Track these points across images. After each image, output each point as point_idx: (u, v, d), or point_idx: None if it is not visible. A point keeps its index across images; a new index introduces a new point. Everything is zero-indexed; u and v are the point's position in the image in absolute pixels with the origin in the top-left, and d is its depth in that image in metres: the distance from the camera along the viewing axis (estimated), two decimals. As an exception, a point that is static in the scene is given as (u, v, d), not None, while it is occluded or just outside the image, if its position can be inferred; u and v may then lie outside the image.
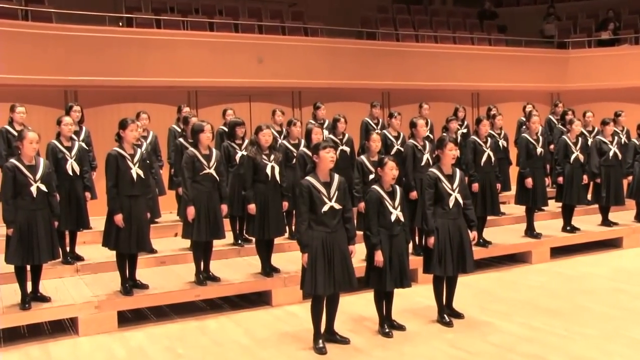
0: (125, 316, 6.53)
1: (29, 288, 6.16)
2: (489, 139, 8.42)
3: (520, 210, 9.47)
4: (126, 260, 6.52)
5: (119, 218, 6.22)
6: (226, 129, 8.67)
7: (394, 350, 5.48)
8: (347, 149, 8.58)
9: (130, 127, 6.39)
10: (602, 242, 9.47)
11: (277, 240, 7.35)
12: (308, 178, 5.36)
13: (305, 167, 7.32)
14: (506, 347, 5.49)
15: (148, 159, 6.90)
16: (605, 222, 9.73)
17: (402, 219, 5.69)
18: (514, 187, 9.27)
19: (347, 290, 5.52)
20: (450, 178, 6.00)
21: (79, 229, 7.49)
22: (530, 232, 8.98)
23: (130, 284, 6.51)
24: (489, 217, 8.65)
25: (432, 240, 5.91)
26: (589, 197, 9.95)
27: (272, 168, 6.90)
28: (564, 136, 9.33)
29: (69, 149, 7.27)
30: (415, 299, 6.84)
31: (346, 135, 8.69)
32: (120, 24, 12.03)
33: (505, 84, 14.34)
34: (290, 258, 7.48)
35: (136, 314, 6.66)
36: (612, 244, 9.53)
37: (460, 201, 5.98)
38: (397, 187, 5.79)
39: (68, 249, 7.45)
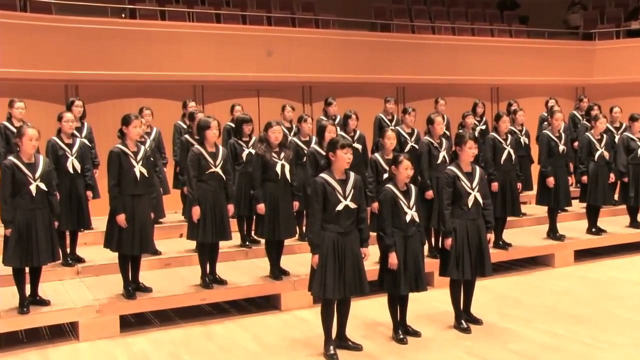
0: (128, 321, 6.55)
1: (28, 291, 6.18)
2: (509, 135, 8.39)
3: (542, 210, 9.43)
4: (129, 262, 6.54)
5: (121, 218, 6.24)
6: (233, 126, 8.69)
7: (408, 358, 5.46)
8: (359, 147, 8.57)
9: (133, 124, 6.40)
10: (630, 244, 9.38)
11: (286, 242, 7.35)
12: (322, 175, 5.35)
13: (317, 165, 7.31)
14: (527, 355, 5.45)
15: (152, 156, 6.93)
16: (634, 223, 9.65)
17: (417, 219, 5.68)
18: (535, 186, 9.22)
19: (357, 295, 5.51)
20: (470, 176, 5.97)
21: (79, 229, 7.53)
22: (552, 233, 8.93)
23: (133, 287, 6.53)
24: (509, 218, 8.62)
25: (449, 241, 5.89)
26: (616, 197, 9.87)
27: (282, 166, 6.91)
28: (587, 133, 9.27)
29: (70, 146, 7.30)
30: (431, 304, 6.82)
31: (358, 132, 8.69)
32: (123, 15, 12.08)
33: (527, 78, 14.27)
34: (300, 260, 7.47)
35: (139, 319, 6.68)
36: (641, 246, 9.47)
37: (480, 201, 5.95)
38: (412, 187, 5.78)
39: (68, 250, 7.49)
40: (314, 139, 8.07)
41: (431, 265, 7.04)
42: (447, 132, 9.57)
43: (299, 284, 6.91)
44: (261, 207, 6.85)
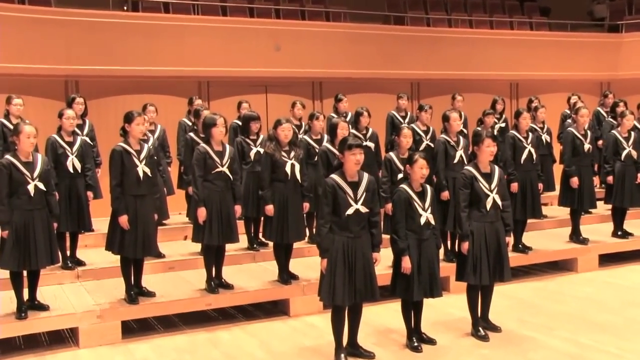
0: (130, 326, 6.58)
1: (26, 295, 6.21)
2: (530, 133, 8.36)
3: (565, 212, 9.37)
4: (131, 265, 6.56)
5: (123, 219, 6.26)
6: (240, 123, 8.70)
7: (423, 367, 5.47)
8: (372, 145, 8.57)
9: (136, 121, 6.42)
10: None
11: (296, 245, 7.36)
12: (333, 176, 5.34)
13: (328, 164, 7.32)
14: (549, 364, 5.44)
15: (156, 155, 6.94)
16: (662, 226, 9.60)
17: (432, 222, 5.66)
18: (557, 187, 9.18)
19: (368, 301, 5.49)
20: (488, 177, 5.95)
21: (80, 231, 7.57)
22: (575, 237, 8.89)
23: (135, 292, 6.55)
24: (529, 220, 8.59)
25: (466, 245, 5.87)
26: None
27: (292, 166, 6.91)
28: (613, 131, 9.21)
29: (71, 144, 7.34)
30: (446, 310, 6.81)
31: (370, 130, 8.68)
32: (125, 8, 12.13)
33: (549, 73, 14.22)
34: (309, 264, 7.48)
35: (142, 324, 6.70)
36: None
37: (499, 203, 5.94)
38: (428, 187, 5.76)
39: (68, 252, 7.51)
40: (326, 137, 8.07)
41: (447, 269, 7.03)
42: (465, 131, 9.55)
43: (309, 289, 6.91)
44: (270, 209, 6.85)
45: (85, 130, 8.43)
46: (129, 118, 6.44)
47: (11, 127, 7.85)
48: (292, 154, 6.96)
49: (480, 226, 5.89)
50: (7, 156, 6.03)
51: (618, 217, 9.26)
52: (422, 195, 5.67)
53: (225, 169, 6.64)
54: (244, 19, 12.43)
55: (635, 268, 8.78)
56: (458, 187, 6.10)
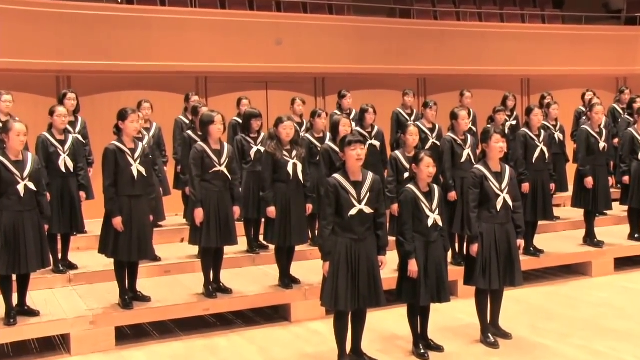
0: (124, 333, 6.58)
1: (15, 300, 6.20)
2: (542, 131, 8.35)
3: (579, 214, 9.37)
4: (126, 269, 6.57)
5: (117, 221, 6.26)
6: (240, 121, 8.71)
7: (431, 375, 5.47)
8: (377, 143, 8.58)
9: (130, 118, 6.43)
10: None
11: (297, 247, 7.35)
12: (336, 176, 5.35)
13: (331, 163, 7.32)
14: (562, 372, 5.45)
15: (151, 154, 6.95)
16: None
17: (440, 223, 5.66)
18: (571, 187, 9.17)
19: (372, 307, 5.49)
20: (499, 176, 5.95)
21: (72, 232, 7.58)
22: (590, 239, 8.88)
23: (130, 296, 6.55)
24: (540, 222, 8.59)
25: (475, 247, 5.87)
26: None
27: (294, 166, 6.91)
28: (630, 128, 9.19)
29: (62, 142, 7.35)
30: (455, 316, 6.81)
31: (375, 128, 8.68)
32: (120, 0, 12.15)
33: (562, 68, 14.20)
34: (312, 267, 7.47)
35: (136, 331, 6.71)
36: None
37: (510, 203, 5.93)
38: (436, 188, 5.76)
39: (60, 255, 7.52)
40: (328, 135, 8.07)
41: (455, 273, 7.01)
42: (474, 128, 9.54)
43: (311, 293, 6.91)
44: (272, 211, 6.84)
45: (78, 128, 8.44)
46: (122, 115, 6.45)
47: (0, 124, 7.88)
48: (294, 153, 6.96)
49: (490, 227, 5.89)
50: (-4, 155, 6.03)
51: (634, 219, 9.24)
52: (429, 195, 5.67)
53: (223, 169, 6.65)
54: (244, 11, 12.43)
55: (653, 272, 8.78)
56: (467, 187, 6.10)
